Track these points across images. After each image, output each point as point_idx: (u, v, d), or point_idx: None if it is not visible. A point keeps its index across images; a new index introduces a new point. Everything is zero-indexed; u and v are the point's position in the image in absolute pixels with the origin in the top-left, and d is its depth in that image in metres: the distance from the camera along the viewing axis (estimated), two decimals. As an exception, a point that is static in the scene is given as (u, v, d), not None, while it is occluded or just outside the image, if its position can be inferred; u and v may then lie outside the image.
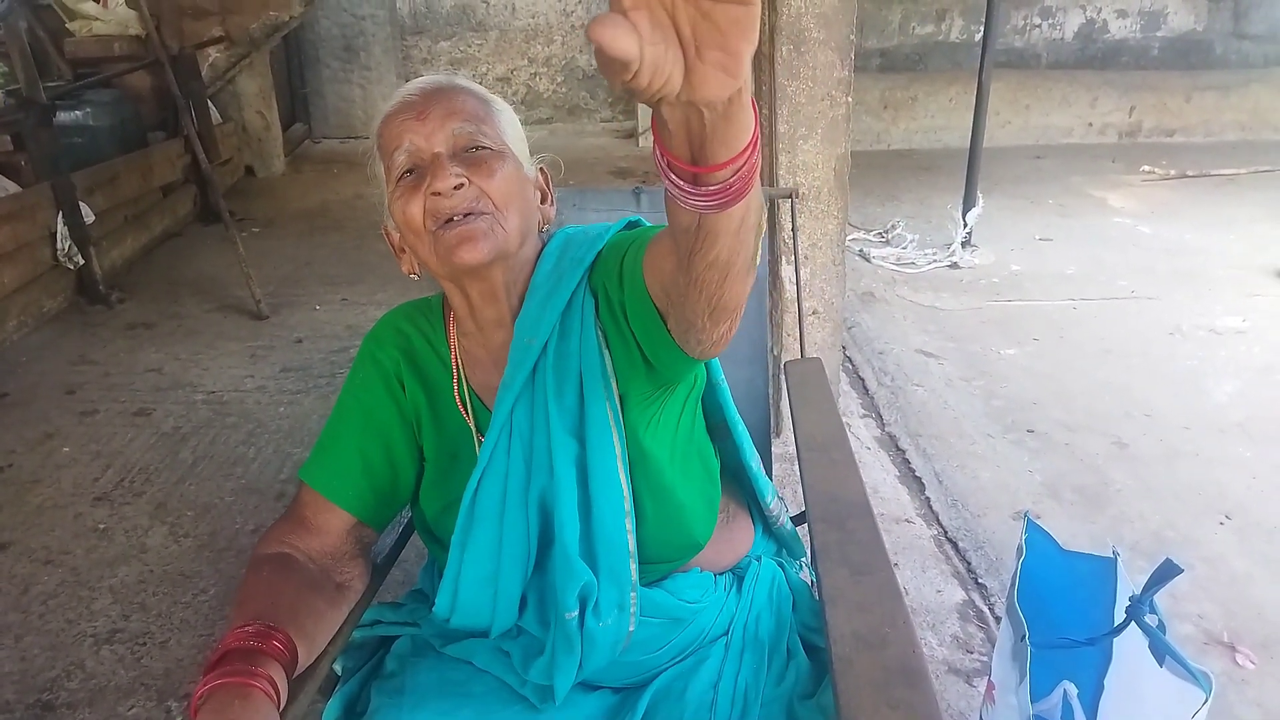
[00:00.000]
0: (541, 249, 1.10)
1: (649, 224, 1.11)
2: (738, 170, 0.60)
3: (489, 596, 1.05)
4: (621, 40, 0.47)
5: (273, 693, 0.87)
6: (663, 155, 0.61)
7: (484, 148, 1.00)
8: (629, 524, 1.02)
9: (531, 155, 1.09)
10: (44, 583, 2.16)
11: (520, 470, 1.04)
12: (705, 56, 0.51)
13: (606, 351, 1.03)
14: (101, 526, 2.38)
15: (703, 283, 0.75)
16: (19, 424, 2.94)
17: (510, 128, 1.05)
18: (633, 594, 1.03)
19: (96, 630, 1.99)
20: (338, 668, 1.16)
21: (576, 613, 1.00)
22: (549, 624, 1.04)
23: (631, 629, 1.04)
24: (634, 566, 1.02)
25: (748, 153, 0.60)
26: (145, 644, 1.95)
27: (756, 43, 0.51)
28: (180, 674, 1.86)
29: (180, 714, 1.76)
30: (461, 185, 0.96)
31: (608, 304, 1.02)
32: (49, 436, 2.86)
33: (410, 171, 0.99)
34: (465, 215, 0.97)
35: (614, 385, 1.02)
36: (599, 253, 1.06)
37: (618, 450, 1.01)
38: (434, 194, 0.96)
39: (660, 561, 1.11)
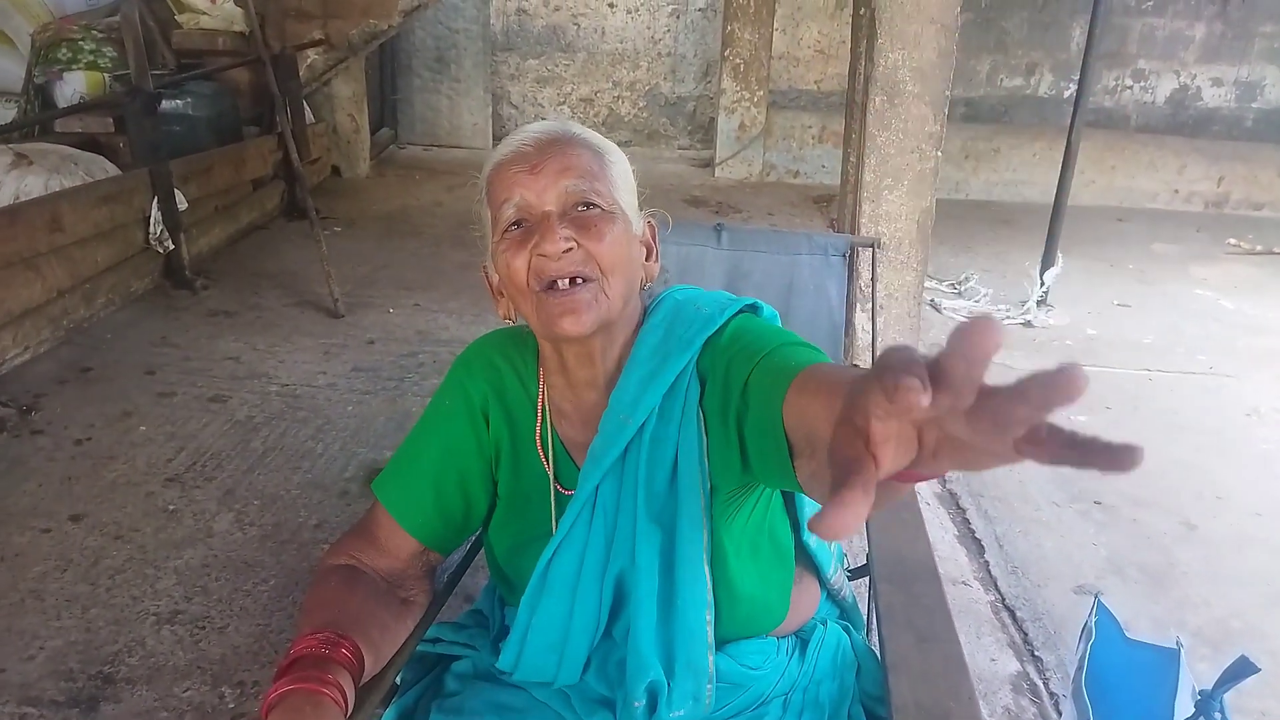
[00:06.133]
0: (644, 312, 1.07)
1: (767, 310, 1.07)
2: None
3: (554, 659, 1.05)
4: (849, 529, 0.43)
5: (341, 700, 0.90)
6: None
7: (595, 207, 0.97)
8: (709, 615, 1.00)
9: (640, 209, 1.06)
10: (113, 557, 2.23)
11: (600, 548, 1.03)
12: (940, 460, 0.48)
13: (706, 439, 1.00)
14: (171, 507, 2.45)
15: None
16: (100, 399, 3.05)
17: (622, 180, 1.02)
18: (709, 685, 1.01)
19: (159, 609, 2.05)
20: (396, 678, 1.18)
21: (644, 703, 1.00)
22: (612, 681, 1.05)
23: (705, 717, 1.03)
24: (711, 659, 1.01)
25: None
26: (205, 628, 2.00)
27: None
28: (236, 661, 1.90)
29: (234, 701, 1.80)
30: (570, 249, 0.94)
31: (718, 398, 0.98)
32: (127, 414, 2.96)
33: (518, 224, 0.97)
34: (570, 282, 0.95)
35: (709, 475, 0.99)
36: (709, 338, 1.02)
37: (705, 542, 0.99)
38: (540, 255, 0.94)
39: (728, 641, 1.09)
